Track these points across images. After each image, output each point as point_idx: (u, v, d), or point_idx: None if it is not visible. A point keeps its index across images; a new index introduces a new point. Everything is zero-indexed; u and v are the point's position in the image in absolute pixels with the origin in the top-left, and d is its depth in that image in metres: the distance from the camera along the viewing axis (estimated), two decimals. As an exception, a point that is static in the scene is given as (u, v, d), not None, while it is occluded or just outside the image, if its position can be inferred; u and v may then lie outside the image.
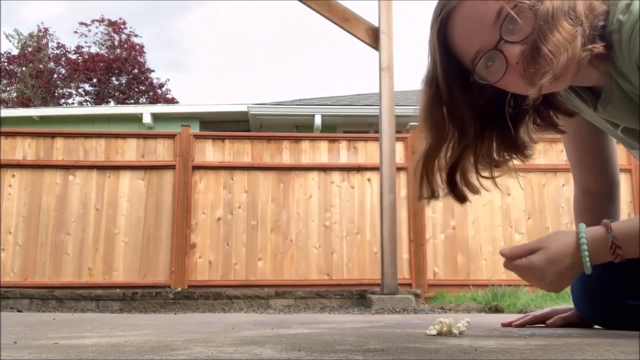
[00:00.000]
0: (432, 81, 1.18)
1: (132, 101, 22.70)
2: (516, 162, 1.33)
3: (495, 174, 1.29)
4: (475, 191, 1.32)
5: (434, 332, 1.31)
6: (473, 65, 1.12)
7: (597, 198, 1.50)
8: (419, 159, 1.27)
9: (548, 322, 1.56)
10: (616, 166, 1.50)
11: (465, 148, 1.23)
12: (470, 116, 1.20)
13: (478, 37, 1.09)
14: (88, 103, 23.16)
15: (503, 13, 1.06)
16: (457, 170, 1.28)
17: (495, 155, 1.26)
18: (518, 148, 1.26)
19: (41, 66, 22.28)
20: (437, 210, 6.48)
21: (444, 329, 1.30)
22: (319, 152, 6.56)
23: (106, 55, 23.50)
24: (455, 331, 1.30)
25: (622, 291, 1.39)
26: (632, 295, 1.38)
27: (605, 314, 1.45)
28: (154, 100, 22.86)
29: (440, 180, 1.29)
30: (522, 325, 1.55)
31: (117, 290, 5.55)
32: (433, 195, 1.31)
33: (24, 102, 20.90)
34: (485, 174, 1.29)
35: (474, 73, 1.12)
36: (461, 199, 1.33)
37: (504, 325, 1.59)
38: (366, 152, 6.58)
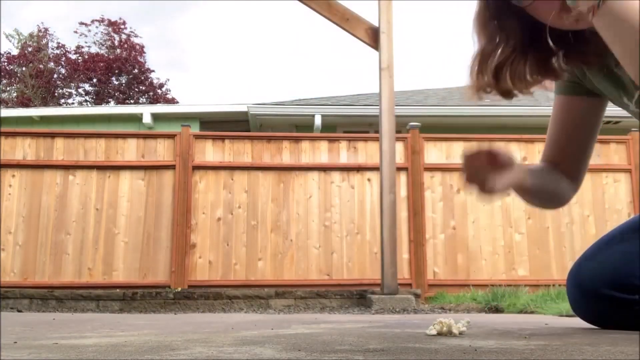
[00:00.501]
0: None
1: (132, 101, 22.69)
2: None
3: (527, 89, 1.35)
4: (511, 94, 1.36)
5: (434, 332, 1.31)
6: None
7: (556, 170, 1.53)
8: (472, 59, 1.35)
9: None
10: (585, 164, 1.56)
11: (507, 58, 1.29)
12: (514, 32, 1.28)
13: None
14: (88, 103, 23.15)
15: None
16: (502, 69, 1.32)
17: (528, 75, 1.31)
18: (548, 72, 1.32)
19: (41, 66, 22.27)
20: (437, 210, 6.49)
21: (444, 329, 1.31)
22: (319, 152, 6.56)
23: (106, 55, 23.49)
24: (455, 331, 1.30)
25: (616, 286, 1.39)
26: (626, 290, 1.38)
27: (601, 311, 1.45)
28: (154, 100, 22.86)
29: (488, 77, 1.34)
30: None
31: (117, 290, 5.55)
32: (486, 86, 1.35)
33: (24, 102, 20.89)
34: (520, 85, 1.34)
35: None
36: (506, 94, 1.36)
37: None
38: (366, 152, 6.57)
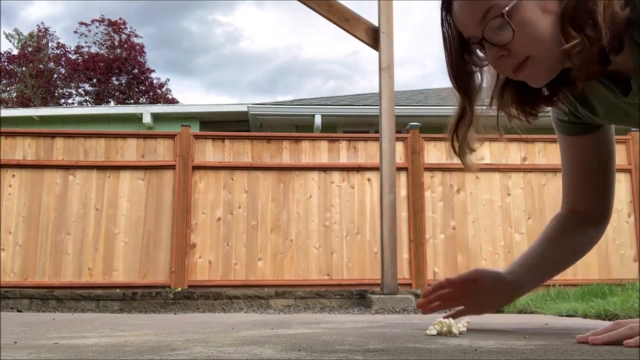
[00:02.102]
0: (445, 45, 1.25)
1: (132, 101, 22.70)
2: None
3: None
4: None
5: (434, 332, 1.30)
6: (467, 44, 1.20)
7: (577, 225, 1.49)
8: (452, 122, 1.32)
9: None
10: (611, 196, 1.49)
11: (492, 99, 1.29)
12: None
13: (468, 27, 1.17)
14: (88, 103, 23.16)
15: (489, 16, 1.12)
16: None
17: (513, 108, 1.30)
18: (531, 106, 1.29)
19: (41, 66, 22.28)
20: (437, 210, 6.49)
21: (444, 329, 1.30)
22: (319, 152, 6.56)
23: (106, 55, 23.50)
24: (455, 331, 1.30)
25: None
26: None
27: None
28: (154, 100, 22.87)
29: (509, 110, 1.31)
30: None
31: (117, 290, 5.55)
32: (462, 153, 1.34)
33: (24, 102, 20.90)
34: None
35: (464, 55, 1.21)
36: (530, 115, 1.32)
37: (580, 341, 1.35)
38: (366, 152, 6.57)
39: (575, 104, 1.35)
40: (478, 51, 1.20)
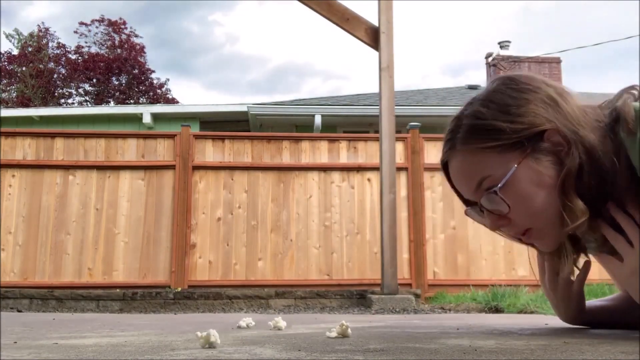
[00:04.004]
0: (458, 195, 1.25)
1: (132, 101, 22.69)
2: None
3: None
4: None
5: (334, 334, 1.30)
6: (466, 204, 1.21)
7: None
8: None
9: None
10: None
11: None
12: None
13: (465, 190, 1.18)
14: (88, 103, 23.15)
15: (483, 186, 1.12)
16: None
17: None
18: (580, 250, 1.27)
19: (41, 66, 22.27)
20: (437, 210, 6.48)
21: (342, 329, 1.29)
22: (319, 152, 6.56)
23: (106, 55, 23.49)
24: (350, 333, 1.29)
25: None
26: None
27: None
28: (154, 100, 22.86)
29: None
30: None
31: (117, 290, 5.55)
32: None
33: (24, 102, 20.89)
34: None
35: (466, 211, 1.22)
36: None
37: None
38: (366, 152, 6.57)
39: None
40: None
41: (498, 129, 1.09)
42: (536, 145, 1.08)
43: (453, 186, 1.23)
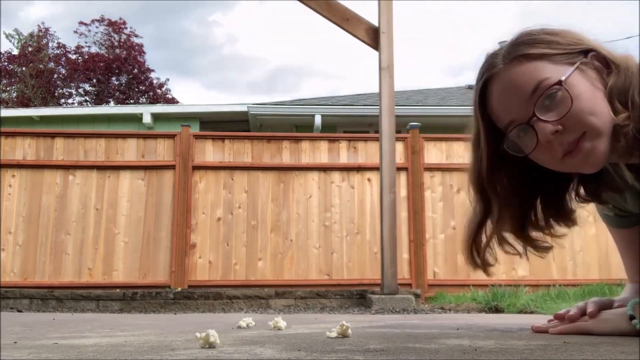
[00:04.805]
0: (476, 143, 1.21)
1: (132, 101, 22.69)
2: None
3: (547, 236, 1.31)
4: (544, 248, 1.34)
5: (334, 334, 1.29)
6: (505, 134, 1.14)
7: None
8: (468, 231, 1.32)
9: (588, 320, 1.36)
10: None
11: (513, 211, 1.25)
12: (512, 180, 1.21)
13: (513, 108, 1.11)
14: (88, 103, 23.15)
15: (541, 88, 1.08)
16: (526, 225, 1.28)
17: (541, 221, 1.27)
18: (562, 216, 1.26)
19: (41, 66, 22.27)
20: (437, 210, 6.48)
21: (343, 329, 1.29)
22: (319, 152, 6.56)
23: (106, 55, 23.49)
24: (331, 334, 1.29)
25: None
26: None
27: None
28: (154, 100, 22.85)
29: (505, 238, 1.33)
30: (560, 333, 1.37)
31: (117, 290, 5.54)
32: (485, 265, 1.35)
33: (24, 102, 20.89)
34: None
35: (504, 142, 1.14)
36: (542, 250, 1.35)
37: (538, 331, 1.44)
38: (366, 152, 6.57)
39: (615, 197, 1.32)
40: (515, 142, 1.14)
41: (550, 40, 1.12)
42: (584, 61, 1.11)
43: (484, 114, 1.17)
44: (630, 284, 1.47)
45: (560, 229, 1.29)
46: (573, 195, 1.27)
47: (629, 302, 1.27)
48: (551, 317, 1.47)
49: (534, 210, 1.26)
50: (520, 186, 1.23)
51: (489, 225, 1.29)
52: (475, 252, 1.29)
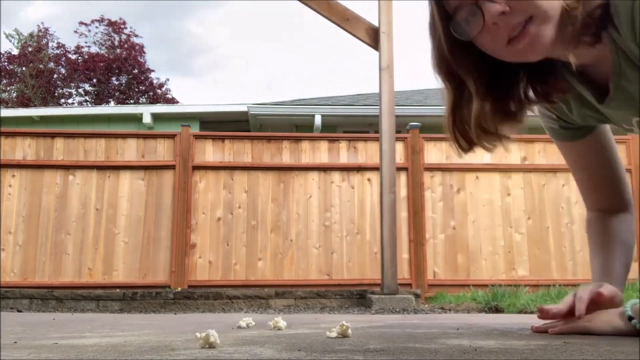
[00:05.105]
0: (432, 29, 1.15)
1: (132, 101, 22.69)
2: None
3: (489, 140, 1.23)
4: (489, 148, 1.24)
5: (334, 334, 1.29)
6: (452, 16, 1.08)
7: (611, 215, 1.45)
8: (446, 115, 1.24)
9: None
10: (626, 184, 1.46)
11: (464, 105, 1.18)
12: (466, 72, 1.15)
13: None
14: (88, 103, 23.15)
15: None
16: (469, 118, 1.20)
17: (488, 119, 1.19)
18: (509, 115, 1.20)
19: (41, 66, 22.27)
20: (437, 210, 6.48)
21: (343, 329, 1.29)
22: (319, 152, 6.56)
23: (106, 55, 23.49)
24: (331, 334, 1.29)
25: None
26: None
27: None
28: (154, 100, 22.86)
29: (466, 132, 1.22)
30: (559, 333, 1.34)
31: (117, 290, 5.55)
32: (470, 146, 1.23)
33: (24, 102, 20.90)
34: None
35: (451, 25, 1.08)
36: (500, 138, 1.23)
37: (538, 331, 1.40)
38: (366, 152, 6.57)
39: (561, 107, 1.31)
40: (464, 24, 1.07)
41: None
42: None
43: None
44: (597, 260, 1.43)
45: (506, 130, 1.22)
46: (522, 97, 1.21)
47: (601, 284, 1.28)
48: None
49: (477, 106, 1.19)
50: (470, 78, 1.17)
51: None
52: (460, 136, 1.22)
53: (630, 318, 1.21)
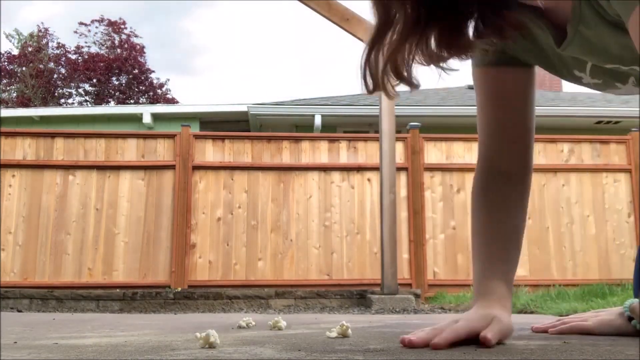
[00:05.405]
0: None
1: (132, 101, 22.69)
2: None
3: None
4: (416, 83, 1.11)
5: (334, 334, 1.29)
6: None
7: (507, 182, 1.31)
8: (365, 46, 1.09)
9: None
10: (532, 147, 1.32)
11: (408, 35, 1.04)
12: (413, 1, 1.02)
13: None
14: (88, 103, 23.15)
15: None
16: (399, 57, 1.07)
17: (434, 50, 1.06)
18: (457, 47, 1.08)
19: (41, 66, 22.26)
20: (437, 210, 6.48)
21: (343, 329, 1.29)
22: (319, 152, 6.56)
23: (106, 55, 23.49)
24: (331, 334, 1.29)
25: None
26: None
27: None
28: (154, 100, 22.85)
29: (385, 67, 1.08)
30: (559, 333, 1.33)
31: (117, 290, 5.55)
32: (374, 89, 1.09)
33: (24, 102, 20.89)
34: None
35: None
36: (411, 85, 1.11)
37: (537, 331, 1.39)
38: (366, 152, 6.57)
39: (513, 46, 1.17)
40: None
41: None
42: None
43: None
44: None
45: (450, 60, 1.10)
46: (471, 30, 1.08)
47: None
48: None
49: (426, 39, 1.06)
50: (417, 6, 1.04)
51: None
52: (369, 73, 1.08)
53: (629, 318, 1.21)
